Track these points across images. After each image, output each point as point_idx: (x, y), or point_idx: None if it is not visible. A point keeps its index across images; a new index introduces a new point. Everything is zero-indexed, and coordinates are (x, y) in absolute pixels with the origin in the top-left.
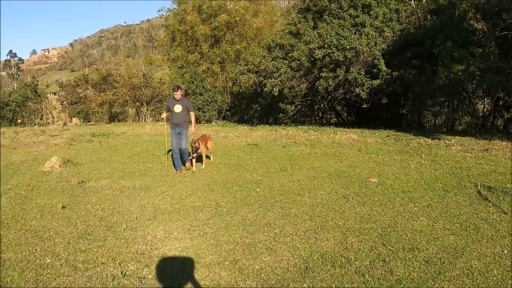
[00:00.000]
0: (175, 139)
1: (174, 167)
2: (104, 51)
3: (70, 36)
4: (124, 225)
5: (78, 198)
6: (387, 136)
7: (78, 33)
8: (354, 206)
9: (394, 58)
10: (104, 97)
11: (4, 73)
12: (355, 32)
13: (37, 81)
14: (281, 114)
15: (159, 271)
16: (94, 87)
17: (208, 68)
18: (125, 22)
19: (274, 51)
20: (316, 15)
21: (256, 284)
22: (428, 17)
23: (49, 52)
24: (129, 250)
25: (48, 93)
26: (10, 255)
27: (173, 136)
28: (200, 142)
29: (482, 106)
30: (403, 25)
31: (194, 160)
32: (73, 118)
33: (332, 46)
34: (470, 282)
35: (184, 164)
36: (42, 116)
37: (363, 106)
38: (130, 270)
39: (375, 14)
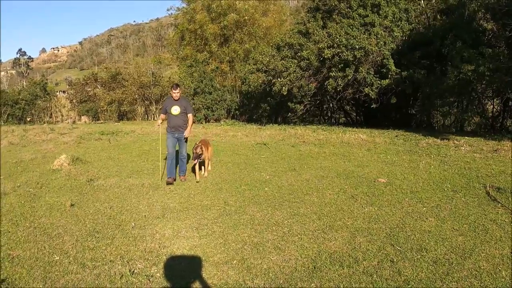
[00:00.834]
0: (172, 143)
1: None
2: (113, 50)
3: (80, 35)
4: (133, 223)
5: (86, 196)
6: (396, 136)
7: (88, 31)
8: (362, 206)
9: (404, 58)
10: (113, 95)
11: (13, 71)
12: (364, 32)
13: (47, 80)
14: (289, 114)
15: (167, 270)
16: (103, 85)
17: (217, 67)
18: (134, 21)
19: (283, 50)
20: (325, 15)
21: (264, 283)
22: (438, 17)
23: (58, 50)
24: (137, 248)
25: (57, 92)
26: (19, 252)
27: (170, 139)
28: (203, 148)
29: (492, 106)
30: (413, 24)
31: (197, 167)
32: (82, 117)
33: (341, 46)
34: (478, 283)
35: (180, 174)
36: (51, 114)
37: (372, 106)
38: (138, 268)
39: (385, 14)
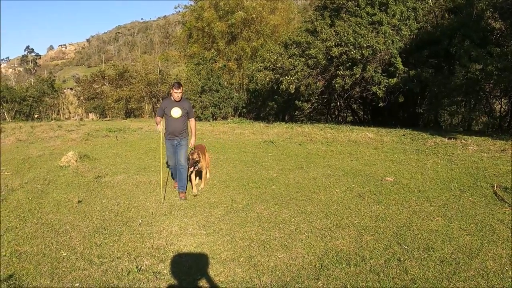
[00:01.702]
0: (173, 154)
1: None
2: (121, 47)
3: (87, 32)
4: (140, 220)
5: (94, 192)
6: (403, 135)
7: (95, 29)
8: (369, 205)
9: (411, 56)
10: (120, 92)
11: (21, 68)
12: (372, 30)
13: (54, 77)
14: (297, 112)
15: (174, 266)
16: (111, 83)
17: (224, 65)
18: (142, 19)
19: (290, 48)
20: (333, 13)
21: (271, 281)
22: (446, 15)
23: (66, 47)
24: (145, 245)
25: (64, 89)
26: (27, 248)
27: (170, 149)
28: (200, 154)
29: (499, 106)
30: (421, 23)
31: (193, 176)
32: (89, 114)
33: (349, 44)
34: (485, 282)
35: (179, 190)
36: (58, 111)
37: (379, 105)
38: (145, 265)
39: (392, 12)
